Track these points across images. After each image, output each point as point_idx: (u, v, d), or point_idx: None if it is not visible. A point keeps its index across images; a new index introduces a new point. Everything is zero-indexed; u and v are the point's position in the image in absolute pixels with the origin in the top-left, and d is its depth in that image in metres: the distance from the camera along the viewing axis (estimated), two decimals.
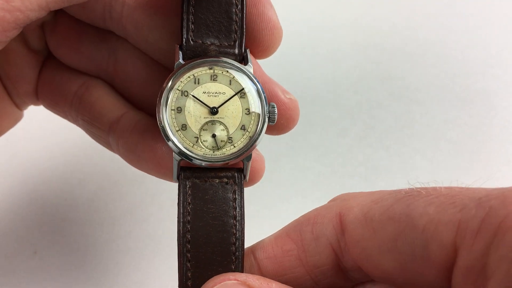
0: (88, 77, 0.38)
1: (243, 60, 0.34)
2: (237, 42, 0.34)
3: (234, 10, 0.34)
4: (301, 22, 0.55)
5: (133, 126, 0.36)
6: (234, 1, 0.34)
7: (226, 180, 0.33)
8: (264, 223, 0.44)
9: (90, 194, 0.50)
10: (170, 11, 0.34)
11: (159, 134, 0.33)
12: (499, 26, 0.57)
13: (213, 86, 0.33)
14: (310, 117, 0.53)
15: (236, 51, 0.34)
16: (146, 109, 0.38)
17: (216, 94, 0.33)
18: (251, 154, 0.33)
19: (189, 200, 0.32)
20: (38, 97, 0.39)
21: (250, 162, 0.34)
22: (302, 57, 0.52)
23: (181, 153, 0.33)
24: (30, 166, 0.51)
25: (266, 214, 0.50)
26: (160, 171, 0.35)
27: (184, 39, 0.33)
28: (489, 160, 0.52)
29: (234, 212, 0.32)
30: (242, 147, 0.33)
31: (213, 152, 0.33)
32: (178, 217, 0.32)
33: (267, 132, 0.34)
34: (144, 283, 0.46)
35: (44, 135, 0.50)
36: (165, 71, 0.37)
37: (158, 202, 0.50)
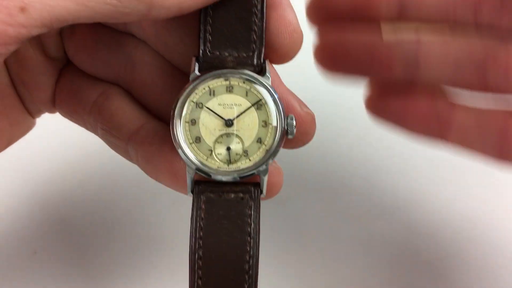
0: (108, 85, 0.37)
1: (262, 71, 0.33)
2: (255, 53, 0.33)
3: (253, 19, 0.33)
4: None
5: (152, 137, 0.35)
6: (253, 11, 0.33)
7: (242, 195, 0.32)
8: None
9: (91, 194, 0.50)
10: (190, 14, 0.33)
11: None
12: None
13: (228, 98, 0.32)
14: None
15: (255, 61, 0.32)
16: (165, 118, 0.37)
17: (231, 106, 0.32)
18: (267, 168, 0.32)
19: (202, 215, 0.31)
20: (55, 104, 0.38)
21: (267, 177, 0.32)
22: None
23: (195, 167, 0.32)
24: (30, 166, 0.51)
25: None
26: (177, 183, 0.34)
27: (201, 51, 0.32)
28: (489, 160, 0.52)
29: (249, 229, 0.31)
30: (258, 161, 0.32)
31: (228, 165, 0.32)
32: (190, 233, 0.31)
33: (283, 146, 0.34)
34: (145, 284, 0.46)
35: (45, 135, 0.50)
36: (184, 78, 0.36)
37: (160, 202, 0.50)
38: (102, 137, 0.38)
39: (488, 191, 0.50)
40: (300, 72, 0.51)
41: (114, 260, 0.47)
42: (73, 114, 0.38)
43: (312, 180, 0.51)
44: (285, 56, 0.34)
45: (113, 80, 0.38)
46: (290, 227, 0.49)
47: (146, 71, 0.36)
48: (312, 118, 0.35)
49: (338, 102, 0.55)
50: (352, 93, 0.55)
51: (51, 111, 0.39)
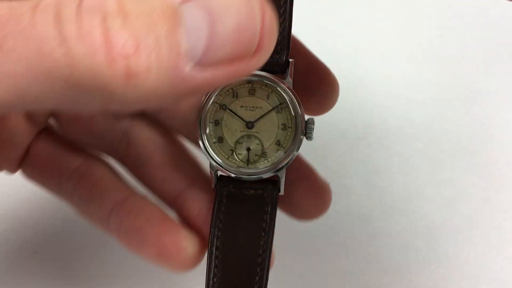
0: (92, 152, 0.36)
1: (284, 72, 0.33)
2: (281, 53, 0.33)
3: (279, 20, 0.32)
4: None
5: (139, 208, 0.34)
6: (280, 11, 0.32)
7: (261, 191, 0.34)
8: None
9: None
10: None
11: (166, 220, 0.34)
12: (499, 26, 0.57)
13: (250, 100, 0.33)
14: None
15: (280, 61, 0.32)
16: (157, 189, 0.36)
17: (253, 109, 0.33)
18: (284, 168, 0.33)
19: (223, 209, 0.33)
20: (23, 165, 0.35)
21: (284, 176, 0.34)
22: None
23: (217, 164, 0.33)
24: None
25: None
26: (163, 257, 0.33)
27: None
28: (489, 159, 0.52)
29: (264, 224, 0.33)
30: (276, 162, 0.33)
31: (247, 165, 0.34)
32: (210, 224, 0.33)
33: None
34: (146, 283, 0.46)
35: None
36: (182, 152, 0.37)
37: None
38: (77, 205, 0.36)
39: (488, 191, 0.50)
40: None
41: (114, 260, 0.47)
42: (47, 179, 0.36)
43: None
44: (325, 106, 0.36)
45: (104, 151, 0.36)
46: (290, 227, 0.49)
47: (142, 147, 0.36)
48: (328, 189, 0.35)
49: (338, 102, 0.55)
50: (353, 93, 0.55)
51: (12, 171, 0.36)
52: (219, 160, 0.33)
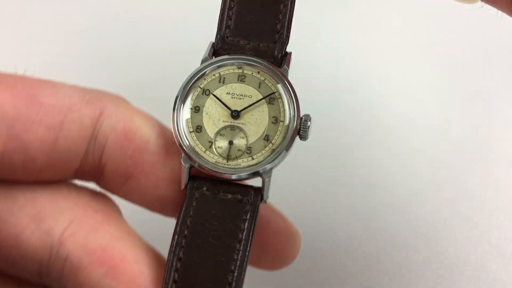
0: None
1: (282, 63, 0.30)
2: (278, 43, 0.30)
3: (280, 7, 0.30)
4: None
5: None
6: None
7: (240, 196, 0.28)
8: None
9: None
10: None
11: None
12: (499, 25, 0.57)
13: (239, 88, 0.29)
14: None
15: (276, 53, 0.30)
16: None
17: (241, 97, 0.29)
18: (271, 170, 0.29)
19: (191, 212, 0.28)
20: None
21: (270, 180, 0.29)
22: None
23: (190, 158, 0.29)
24: None
25: None
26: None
27: (218, 36, 0.30)
28: (489, 160, 0.52)
29: (241, 235, 0.27)
30: (262, 160, 0.28)
31: (227, 161, 0.29)
32: (174, 230, 0.28)
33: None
34: None
35: None
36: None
37: None
38: None
39: (488, 191, 0.50)
40: (301, 72, 0.51)
41: None
42: None
43: (312, 180, 0.51)
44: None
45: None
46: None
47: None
48: (297, 236, 0.31)
49: (338, 102, 0.55)
50: (353, 92, 0.55)
51: None
52: (193, 153, 0.29)
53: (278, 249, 0.31)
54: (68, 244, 0.28)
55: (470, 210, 0.49)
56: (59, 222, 0.29)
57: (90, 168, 0.30)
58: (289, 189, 0.51)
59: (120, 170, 0.29)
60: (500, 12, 0.32)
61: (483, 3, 0.31)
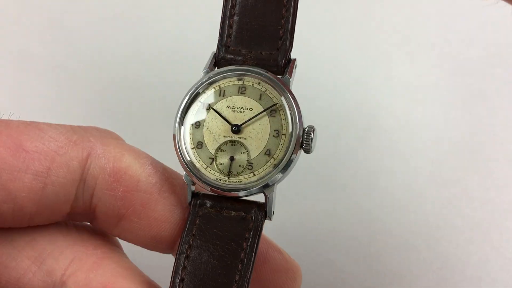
0: None
1: (285, 72, 0.29)
2: (281, 51, 0.29)
3: (282, 12, 0.29)
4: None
5: None
6: (283, 1, 0.29)
7: (244, 214, 0.28)
8: None
9: None
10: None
11: None
12: (499, 25, 0.57)
13: (239, 100, 0.28)
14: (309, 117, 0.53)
15: (279, 59, 0.29)
16: None
17: (241, 110, 0.28)
18: (274, 186, 0.28)
19: (194, 231, 0.28)
20: None
21: (274, 196, 0.28)
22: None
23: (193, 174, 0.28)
24: None
25: None
26: None
27: (220, 46, 0.29)
28: (489, 160, 0.52)
29: (243, 255, 0.27)
30: (263, 176, 0.28)
31: (228, 178, 0.28)
32: (177, 250, 0.28)
33: None
34: None
35: None
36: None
37: None
38: None
39: (488, 191, 0.50)
40: (301, 72, 0.51)
41: None
42: None
43: (312, 180, 0.51)
44: None
45: None
46: (290, 227, 0.49)
47: None
48: (297, 272, 0.31)
49: (338, 102, 0.54)
50: (353, 93, 0.55)
51: None
52: (195, 170, 0.28)
53: (278, 286, 0.30)
54: (70, 283, 0.28)
55: (470, 210, 0.49)
56: (59, 262, 0.28)
57: (81, 211, 0.30)
58: (289, 190, 0.51)
59: (111, 211, 0.29)
60: None
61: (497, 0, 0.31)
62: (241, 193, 0.28)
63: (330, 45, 0.56)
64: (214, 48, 0.30)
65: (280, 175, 0.28)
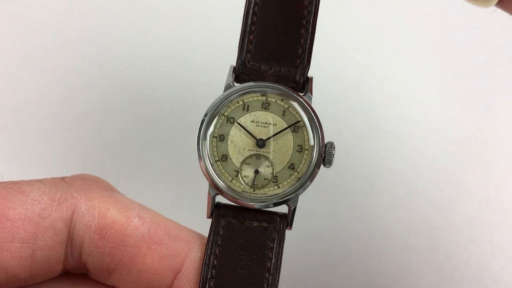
0: None
1: (304, 89, 0.30)
2: (299, 68, 0.30)
3: (301, 32, 0.30)
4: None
5: None
6: (302, 22, 0.30)
7: (266, 224, 0.29)
8: None
9: None
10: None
11: None
12: (499, 25, 0.57)
13: (263, 115, 0.29)
14: None
15: (297, 78, 0.30)
16: None
17: (265, 125, 0.29)
18: (297, 199, 0.29)
19: (219, 241, 0.28)
20: None
21: (296, 207, 0.29)
22: None
23: (218, 186, 0.29)
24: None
25: None
26: None
27: (240, 61, 0.30)
28: (489, 160, 0.52)
29: (269, 264, 0.28)
30: (288, 189, 0.29)
31: (253, 190, 0.29)
32: (203, 259, 0.28)
33: None
34: None
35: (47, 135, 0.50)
36: None
37: (162, 200, 0.49)
38: None
39: (489, 191, 0.50)
40: None
41: None
42: None
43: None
44: None
45: None
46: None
47: None
48: None
49: (339, 102, 0.54)
50: (353, 93, 0.55)
51: None
52: (220, 182, 0.29)
53: None
54: None
55: (471, 211, 0.49)
56: None
57: (74, 267, 0.30)
58: None
59: (101, 267, 0.29)
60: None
61: (496, 8, 0.31)
62: (266, 205, 0.29)
63: (330, 45, 0.56)
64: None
65: (303, 188, 0.29)
